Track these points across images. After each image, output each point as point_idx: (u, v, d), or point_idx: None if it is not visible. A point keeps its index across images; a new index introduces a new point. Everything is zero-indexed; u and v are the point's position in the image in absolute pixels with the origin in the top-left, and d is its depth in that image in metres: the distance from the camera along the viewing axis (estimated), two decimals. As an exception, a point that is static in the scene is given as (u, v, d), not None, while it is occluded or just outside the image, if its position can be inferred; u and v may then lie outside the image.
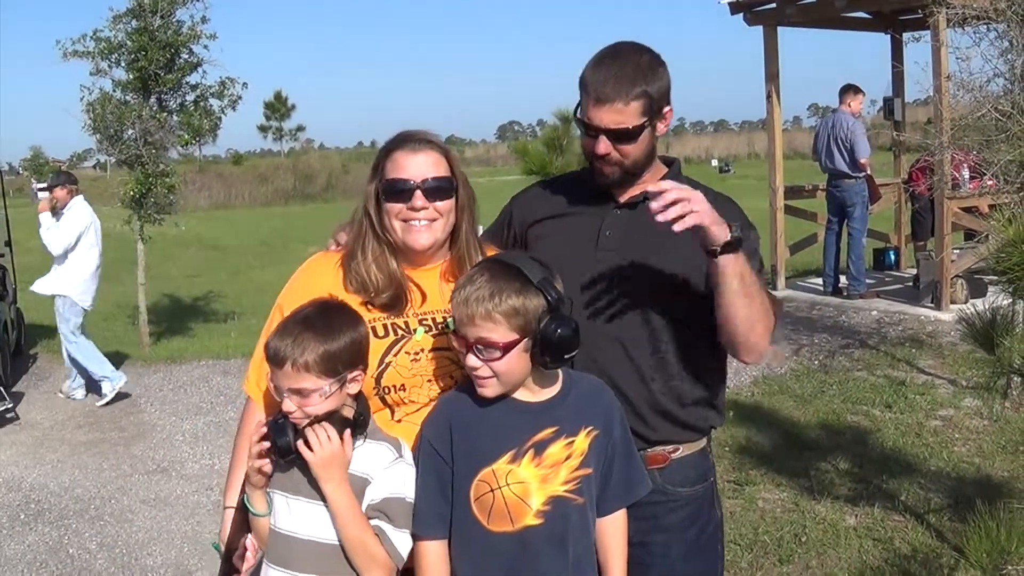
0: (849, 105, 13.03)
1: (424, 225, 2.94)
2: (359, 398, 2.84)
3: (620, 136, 2.98)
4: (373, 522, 2.74)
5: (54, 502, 7.72)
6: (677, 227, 2.70)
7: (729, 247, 2.80)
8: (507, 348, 2.69)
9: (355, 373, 2.77)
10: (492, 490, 2.75)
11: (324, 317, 2.78)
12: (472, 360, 2.72)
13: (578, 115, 3.07)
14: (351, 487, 2.75)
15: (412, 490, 2.80)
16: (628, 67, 2.97)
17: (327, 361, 2.70)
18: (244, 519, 2.90)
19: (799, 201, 14.74)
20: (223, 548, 2.98)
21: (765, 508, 6.66)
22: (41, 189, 11.06)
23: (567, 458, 2.78)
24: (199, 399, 10.82)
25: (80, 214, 10.91)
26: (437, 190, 2.93)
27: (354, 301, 2.94)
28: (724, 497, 6.68)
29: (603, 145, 3.00)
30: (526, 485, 2.74)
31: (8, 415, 10.36)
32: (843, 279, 13.30)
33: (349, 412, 2.79)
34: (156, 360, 12.84)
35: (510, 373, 2.74)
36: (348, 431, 2.75)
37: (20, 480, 8.27)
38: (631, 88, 2.95)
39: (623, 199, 3.15)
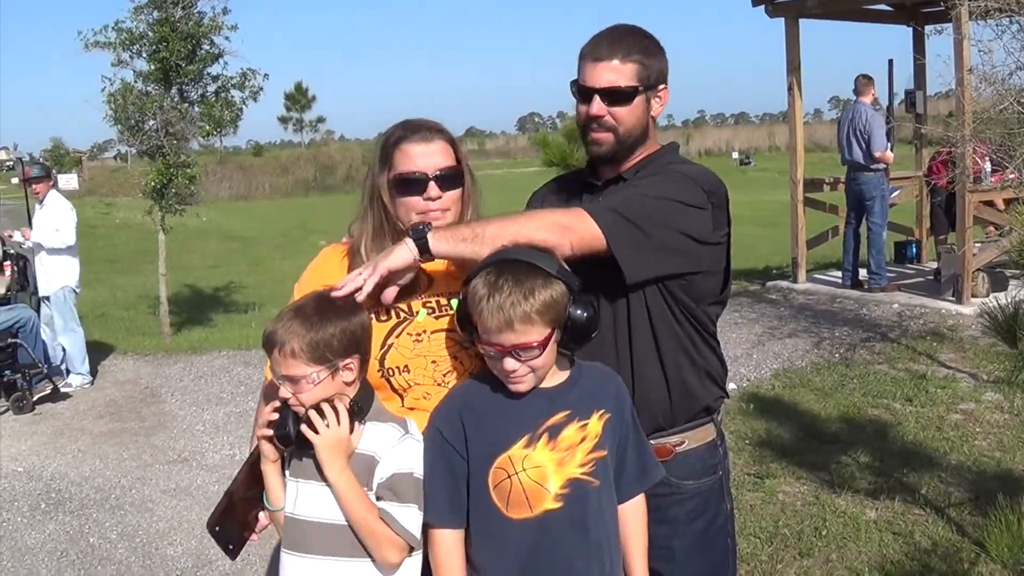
0: (872, 96, 12.97)
1: (439, 214, 2.97)
2: (363, 386, 2.87)
3: (614, 96, 3.04)
4: (380, 504, 2.74)
5: (74, 491, 7.76)
6: (359, 299, 2.79)
7: (422, 250, 2.80)
8: (544, 344, 2.71)
9: (347, 361, 2.78)
10: (509, 476, 2.75)
11: (316, 306, 2.80)
12: (511, 363, 2.71)
13: (574, 82, 3.12)
14: (358, 466, 2.77)
15: (420, 465, 2.81)
16: (625, 36, 3.09)
17: (313, 349, 2.73)
18: (256, 470, 2.92)
19: (820, 194, 14.69)
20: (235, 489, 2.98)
21: (785, 501, 6.65)
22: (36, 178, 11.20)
23: (582, 440, 2.78)
24: (219, 389, 10.85)
25: (63, 203, 11.13)
26: (448, 179, 2.97)
27: None
28: (744, 490, 6.69)
29: (597, 105, 3.05)
30: (543, 469, 2.74)
31: (64, 388, 10.66)
32: (863, 272, 13.25)
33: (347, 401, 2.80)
34: (177, 350, 12.90)
35: (547, 366, 2.77)
36: (348, 416, 2.77)
37: (41, 469, 8.31)
38: (628, 50, 3.04)
39: (601, 183, 3.20)
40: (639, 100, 3.07)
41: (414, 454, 2.81)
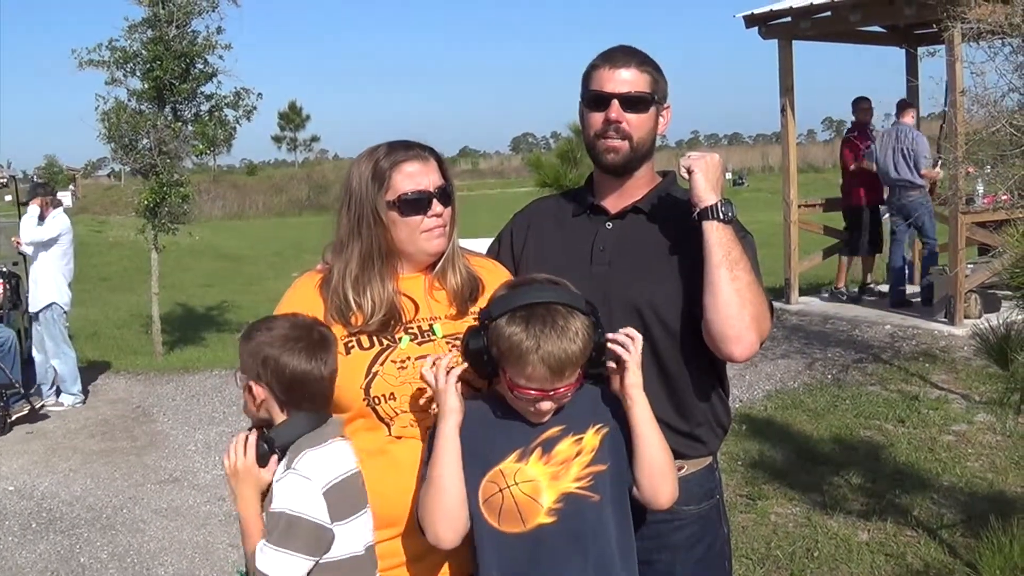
0: (912, 117, 13.10)
1: (440, 231, 2.97)
2: (292, 420, 2.79)
3: (632, 102, 3.06)
4: (259, 542, 2.68)
5: (66, 511, 7.74)
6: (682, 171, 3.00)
7: (708, 213, 2.92)
8: (581, 380, 2.72)
9: (250, 383, 2.80)
10: (500, 490, 2.71)
11: (271, 321, 2.85)
12: (548, 404, 2.70)
13: (587, 93, 3.14)
14: (268, 501, 2.75)
15: (296, 503, 2.66)
16: (636, 50, 3.16)
17: (241, 354, 2.81)
18: None
19: (813, 215, 14.72)
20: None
21: (777, 523, 6.65)
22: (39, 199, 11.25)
23: (578, 454, 2.74)
24: (212, 409, 10.82)
25: (62, 220, 11.14)
26: (447, 196, 2.98)
27: (339, 331, 2.93)
28: (736, 511, 6.68)
29: (615, 110, 3.06)
30: (535, 483, 2.71)
31: (41, 411, 10.55)
32: (908, 289, 13.29)
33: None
34: (169, 369, 12.86)
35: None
36: (255, 448, 2.77)
37: (32, 489, 8.28)
38: (641, 61, 3.12)
39: (614, 211, 3.19)
40: (652, 111, 3.11)
41: (290, 491, 2.68)
